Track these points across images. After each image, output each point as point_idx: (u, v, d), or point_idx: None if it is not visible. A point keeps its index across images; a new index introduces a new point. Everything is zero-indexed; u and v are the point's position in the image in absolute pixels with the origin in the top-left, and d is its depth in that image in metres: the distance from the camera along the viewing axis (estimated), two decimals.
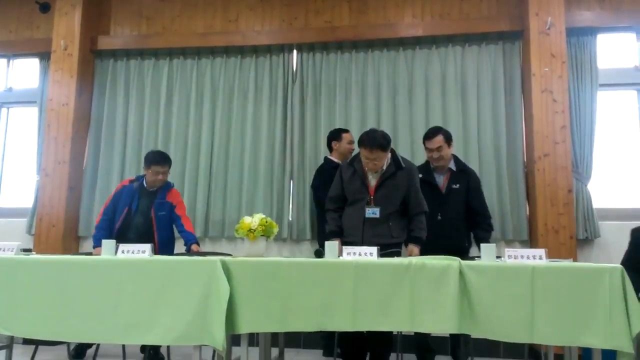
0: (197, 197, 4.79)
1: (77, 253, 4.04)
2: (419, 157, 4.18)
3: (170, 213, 3.86)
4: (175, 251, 3.86)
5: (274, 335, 3.36)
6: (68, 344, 3.55)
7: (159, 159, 3.82)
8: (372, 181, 3.22)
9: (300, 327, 2.52)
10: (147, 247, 2.80)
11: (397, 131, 4.62)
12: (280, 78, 4.89)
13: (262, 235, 2.99)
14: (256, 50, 4.98)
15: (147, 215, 3.81)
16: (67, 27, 5.05)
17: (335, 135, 4.20)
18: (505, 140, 4.47)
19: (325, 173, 3.95)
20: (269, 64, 4.94)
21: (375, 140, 3.09)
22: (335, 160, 4.10)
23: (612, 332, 2.28)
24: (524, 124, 4.47)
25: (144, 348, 3.96)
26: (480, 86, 4.58)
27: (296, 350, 4.31)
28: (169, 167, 3.89)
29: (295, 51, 4.93)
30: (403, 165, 3.24)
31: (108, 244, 2.86)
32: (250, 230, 2.97)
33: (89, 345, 3.86)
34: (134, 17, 5.27)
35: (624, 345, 2.27)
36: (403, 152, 4.53)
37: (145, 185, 3.87)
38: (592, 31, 4.45)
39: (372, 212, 3.15)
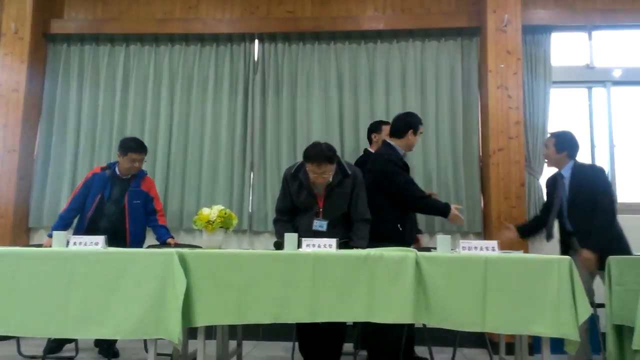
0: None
1: (26, 245, 3.89)
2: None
3: (145, 203, 3.78)
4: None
5: (232, 328, 3.34)
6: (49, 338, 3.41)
7: (136, 146, 3.72)
8: (320, 191, 3.22)
9: (257, 319, 2.52)
10: (100, 239, 2.72)
11: (359, 124, 4.65)
12: (241, 68, 4.84)
13: (220, 227, 2.96)
14: (217, 39, 4.90)
15: (120, 203, 3.71)
16: (18, 9, 4.82)
17: (375, 127, 4.07)
18: (462, 134, 4.57)
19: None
20: (229, 53, 4.87)
21: (322, 153, 3.08)
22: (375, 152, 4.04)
23: (559, 321, 2.37)
24: (480, 118, 4.58)
25: (98, 342, 3.87)
26: (439, 81, 4.66)
27: (255, 343, 4.31)
28: (145, 154, 3.80)
29: (256, 41, 4.88)
30: (349, 172, 3.24)
31: (58, 235, 2.77)
32: (208, 221, 2.93)
33: (69, 340, 3.73)
34: (90, 0, 5.09)
35: (571, 334, 2.36)
36: (365, 145, 4.57)
37: (117, 172, 3.77)
38: (547, 29, 4.58)
39: (319, 225, 3.16)
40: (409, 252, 2.54)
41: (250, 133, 4.73)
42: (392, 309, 2.45)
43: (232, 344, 3.41)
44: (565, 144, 3.49)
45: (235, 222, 3.06)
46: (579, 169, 3.45)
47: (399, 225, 3.30)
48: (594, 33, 4.68)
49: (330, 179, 3.18)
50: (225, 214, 2.98)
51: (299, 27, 4.78)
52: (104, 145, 4.81)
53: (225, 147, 4.72)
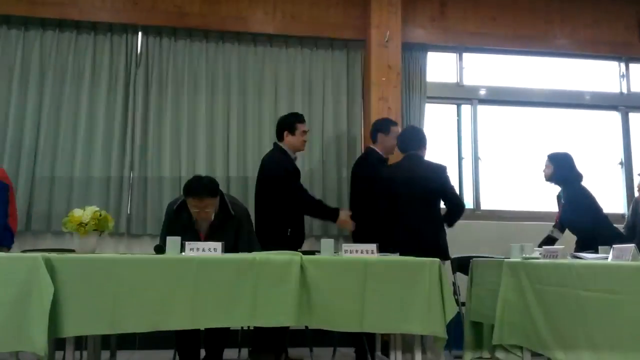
0: (18, 184, 4.22)
1: None
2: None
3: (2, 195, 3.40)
4: None
5: (105, 337, 3.13)
6: None
7: None
8: (203, 230, 3.12)
9: (134, 328, 2.40)
10: None
11: (246, 127, 4.63)
12: (122, 61, 4.56)
13: (94, 230, 2.77)
14: (95, 28, 4.57)
15: None
16: None
17: (383, 127, 3.96)
18: (346, 142, 4.74)
19: (369, 165, 3.83)
20: (109, 45, 4.57)
21: (203, 187, 2.97)
22: (380, 152, 3.93)
23: (429, 320, 2.57)
24: (363, 128, 4.79)
25: None
26: (326, 90, 4.79)
27: (130, 352, 4.07)
28: None
29: (140, 33, 4.64)
30: (232, 213, 3.14)
31: None
32: (81, 224, 2.73)
33: None
34: None
35: (439, 331, 2.57)
36: (252, 149, 4.58)
37: None
38: (424, 48, 4.93)
39: None
40: (295, 256, 2.58)
41: (130, 130, 4.48)
42: (276, 312, 2.47)
43: (105, 354, 3.20)
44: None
45: (111, 224, 2.89)
46: None
47: (288, 229, 3.35)
48: (465, 54, 5.13)
49: (212, 218, 3.07)
50: (100, 215, 2.80)
51: (187, 23, 4.63)
52: None
53: (102, 144, 4.41)
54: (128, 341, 4.07)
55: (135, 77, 4.55)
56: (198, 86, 4.62)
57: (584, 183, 3.75)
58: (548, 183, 3.87)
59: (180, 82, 4.61)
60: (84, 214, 2.77)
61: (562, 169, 3.74)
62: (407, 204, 3.54)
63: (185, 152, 4.52)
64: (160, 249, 2.68)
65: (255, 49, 4.76)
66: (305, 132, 3.66)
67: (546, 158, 3.85)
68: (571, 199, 3.71)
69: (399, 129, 4.02)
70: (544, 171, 3.83)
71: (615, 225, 3.79)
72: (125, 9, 4.58)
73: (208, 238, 3.06)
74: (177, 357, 3.15)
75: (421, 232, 3.47)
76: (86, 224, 2.74)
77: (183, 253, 2.59)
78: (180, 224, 3.11)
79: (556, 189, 3.90)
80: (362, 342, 3.51)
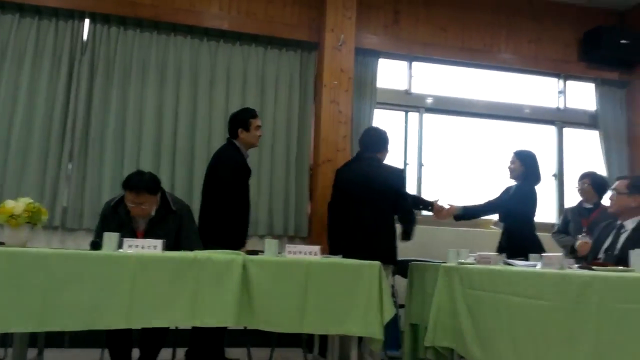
0: None
1: None
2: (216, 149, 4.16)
3: None
4: None
5: (33, 334, 2.99)
6: None
7: None
8: (141, 226, 3.05)
9: (65, 326, 2.31)
10: None
11: (196, 122, 4.55)
12: (66, 47, 4.37)
13: (27, 222, 2.65)
14: (39, 11, 4.37)
15: None
16: None
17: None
18: (296, 143, 4.75)
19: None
20: (54, 29, 4.38)
21: (142, 183, 2.91)
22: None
23: (367, 321, 2.62)
24: (313, 130, 4.82)
25: None
26: (278, 89, 4.78)
27: (59, 350, 3.91)
28: None
29: (87, 20, 4.47)
30: (174, 208, 3.09)
31: None
32: (12, 215, 2.60)
33: None
34: None
35: (377, 332, 2.62)
36: (200, 144, 4.50)
37: None
38: (375, 54, 5.01)
39: None
40: (237, 256, 2.56)
41: (71, 119, 4.30)
42: (216, 312, 2.45)
43: (33, 352, 3.06)
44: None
45: (45, 217, 2.76)
46: None
47: (233, 229, 3.33)
48: (414, 63, 5.25)
49: (153, 213, 3.01)
50: (34, 207, 2.68)
51: (137, 12, 4.49)
52: None
53: (39, 132, 4.22)
54: (57, 339, 3.91)
55: (80, 64, 4.38)
56: (146, 78, 4.50)
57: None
58: (490, 187, 3.91)
59: (127, 73, 4.48)
60: (17, 205, 2.64)
61: (529, 167, 3.76)
62: (356, 206, 3.54)
63: (130, 145, 4.39)
64: (96, 244, 2.59)
65: (208, 43, 4.69)
66: (259, 127, 3.64)
67: (512, 155, 3.84)
68: (520, 194, 3.74)
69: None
70: (509, 167, 3.82)
71: (545, 233, 3.98)
72: None
73: (147, 233, 3.00)
74: (109, 356, 3.05)
75: (369, 235, 3.47)
76: (18, 216, 2.61)
77: (120, 250, 2.51)
78: (116, 220, 3.03)
79: (500, 189, 3.94)
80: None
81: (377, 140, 3.72)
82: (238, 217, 3.43)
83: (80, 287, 2.32)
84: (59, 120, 4.28)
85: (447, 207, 3.84)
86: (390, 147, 3.80)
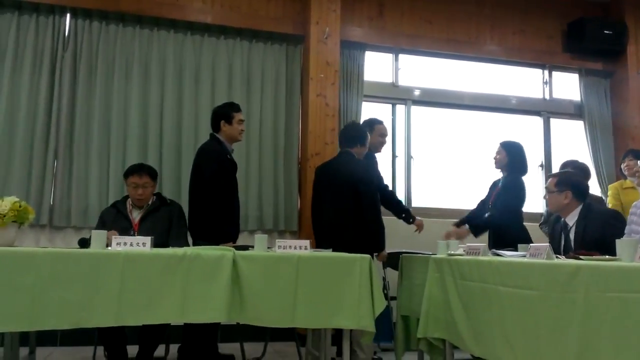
0: None
1: None
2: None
3: None
4: None
5: (24, 333, 2.98)
6: None
7: None
8: (136, 216, 3.30)
9: (55, 325, 2.29)
10: None
11: (182, 117, 4.52)
12: (48, 43, 4.31)
13: (13, 222, 2.61)
14: (19, 7, 4.29)
15: None
16: None
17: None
18: (283, 137, 4.74)
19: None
20: (34, 25, 4.30)
21: (145, 166, 3.35)
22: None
23: (359, 314, 2.62)
24: (300, 123, 4.81)
25: None
26: (264, 83, 4.75)
27: (51, 349, 3.88)
28: None
29: (68, 15, 4.40)
30: (168, 201, 3.42)
31: None
32: None
33: None
34: None
35: (368, 325, 2.63)
36: (187, 139, 4.47)
37: None
38: (362, 47, 5.00)
39: None
40: (227, 251, 2.56)
41: (55, 116, 4.24)
42: (207, 309, 2.44)
43: (24, 350, 3.04)
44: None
45: (32, 216, 2.72)
46: None
47: (221, 223, 3.32)
48: (401, 55, 5.26)
49: (149, 203, 3.30)
50: (20, 206, 2.64)
51: (120, 6, 4.43)
52: None
53: (23, 130, 4.16)
54: (48, 337, 3.88)
55: (62, 60, 4.32)
56: (130, 73, 4.45)
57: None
58: (481, 176, 3.91)
59: (110, 68, 4.43)
60: (2, 204, 2.60)
61: (515, 157, 3.76)
62: (324, 201, 3.63)
63: (115, 142, 4.35)
64: (84, 242, 2.57)
65: (192, 37, 4.64)
66: (242, 121, 3.61)
67: (498, 145, 3.84)
68: (508, 186, 3.74)
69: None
70: (495, 158, 3.82)
71: (533, 223, 4.02)
72: None
73: (141, 220, 3.24)
74: (103, 353, 3.04)
75: (332, 228, 3.52)
76: (4, 215, 2.58)
77: (109, 247, 2.49)
78: (113, 213, 3.29)
79: (490, 180, 3.97)
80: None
81: (351, 136, 3.71)
82: (226, 212, 3.42)
83: (69, 286, 2.30)
84: (43, 117, 4.22)
85: (452, 229, 3.86)
86: (367, 142, 3.73)
